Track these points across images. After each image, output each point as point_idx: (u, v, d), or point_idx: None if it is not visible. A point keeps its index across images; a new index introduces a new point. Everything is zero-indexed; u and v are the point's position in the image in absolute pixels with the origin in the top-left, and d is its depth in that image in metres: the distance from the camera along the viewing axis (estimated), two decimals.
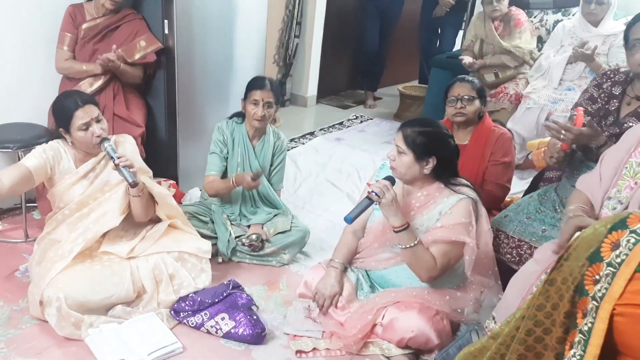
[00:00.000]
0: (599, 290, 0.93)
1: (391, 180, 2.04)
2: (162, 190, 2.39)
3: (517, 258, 2.22)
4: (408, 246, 2.00)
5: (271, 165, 2.85)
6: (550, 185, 2.35)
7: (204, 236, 2.53)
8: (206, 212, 2.78)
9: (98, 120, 2.22)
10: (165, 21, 2.91)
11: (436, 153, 2.05)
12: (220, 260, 2.67)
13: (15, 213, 2.95)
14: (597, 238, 0.96)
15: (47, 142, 2.60)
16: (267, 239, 2.70)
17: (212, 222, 2.74)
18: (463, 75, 2.78)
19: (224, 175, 2.76)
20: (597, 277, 0.94)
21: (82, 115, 2.18)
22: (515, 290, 1.85)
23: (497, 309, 1.95)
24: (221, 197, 2.79)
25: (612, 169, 1.71)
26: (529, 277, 1.80)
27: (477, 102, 2.57)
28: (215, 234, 2.69)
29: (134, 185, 2.15)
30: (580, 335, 0.95)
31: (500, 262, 2.23)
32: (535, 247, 2.14)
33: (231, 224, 2.76)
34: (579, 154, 2.09)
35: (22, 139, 2.65)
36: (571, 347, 0.96)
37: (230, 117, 2.79)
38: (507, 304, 1.87)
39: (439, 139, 2.08)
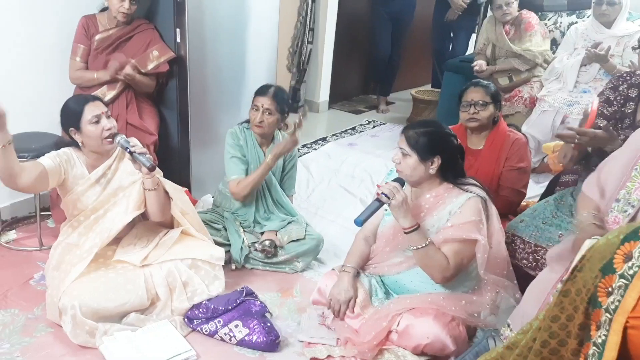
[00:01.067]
0: (612, 303, 0.91)
1: (400, 182, 2.04)
2: (174, 185, 2.40)
3: (534, 263, 2.19)
4: (420, 247, 1.99)
5: (283, 171, 2.85)
6: (566, 190, 2.32)
7: (217, 243, 2.53)
8: (219, 219, 2.79)
9: (108, 117, 2.25)
10: (178, 30, 2.92)
11: (440, 152, 2.05)
12: (233, 267, 2.66)
13: (29, 222, 2.98)
14: (609, 249, 0.95)
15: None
16: (281, 246, 2.69)
17: (225, 230, 2.74)
18: (478, 80, 2.76)
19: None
20: (610, 289, 0.92)
21: (92, 109, 2.21)
22: (532, 298, 1.82)
23: (513, 316, 1.92)
24: (249, 196, 2.76)
25: (619, 170, 1.67)
26: (545, 284, 1.76)
27: (491, 108, 2.55)
28: (228, 241, 2.69)
29: (152, 168, 2.16)
30: (594, 347, 0.93)
31: (516, 268, 2.20)
32: None
33: (244, 231, 2.75)
34: (595, 159, 2.06)
35: (37, 147, 2.66)
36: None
37: (241, 123, 2.80)
38: (524, 311, 1.83)
39: (441, 137, 2.08)
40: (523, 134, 2.70)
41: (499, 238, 2.10)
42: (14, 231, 2.89)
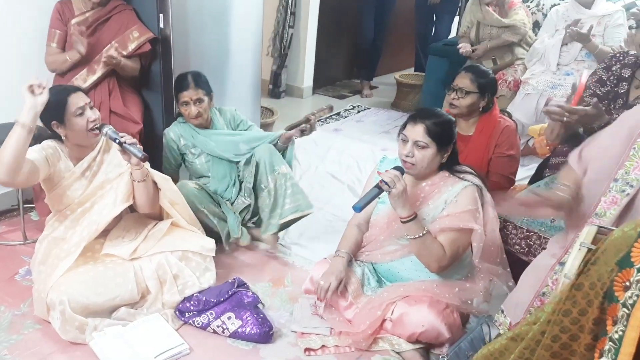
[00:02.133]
0: (630, 297, 0.90)
1: (400, 170, 2.01)
2: (162, 175, 2.35)
3: (527, 249, 2.19)
4: (417, 236, 1.98)
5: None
6: (557, 173, 2.32)
7: (220, 220, 2.61)
8: (210, 196, 2.74)
9: (91, 107, 2.18)
10: (161, 15, 2.84)
11: (452, 141, 2.05)
12: (227, 248, 2.68)
13: (12, 215, 2.90)
14: (626, 242, 0.93)
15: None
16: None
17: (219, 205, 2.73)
18: (475, 65, 2.74)
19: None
20: (628, 283, 0.91)
21: (76, 101, 2.14)
22: (527, 284, 1.82)
23: (507, 302, 1.93)
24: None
25: (616, 150, 1.65)
26: (541, 270, 1.77)
27: (473, 97, 2.51)
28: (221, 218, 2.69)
29: (144, 159, 2.10)
30: (611, 343, 0.92)
31: (508, 253, 2.21)
32: (545, 238, 2.12)
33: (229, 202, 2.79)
34: (583, 136, 2.05)
35: None
36: (601, 355, 0.93)
37: (176, 118, 2.82)
38: (518, 297, 1.84)
39: (454, 127, 2.09)
40: (514, 121, 2.69)
41: (493, 226, 2.11)
42: None
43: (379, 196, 2.04)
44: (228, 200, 2.79)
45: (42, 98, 1.98)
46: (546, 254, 1.84)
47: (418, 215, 2.01)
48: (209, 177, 2.79)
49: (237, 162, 2.77)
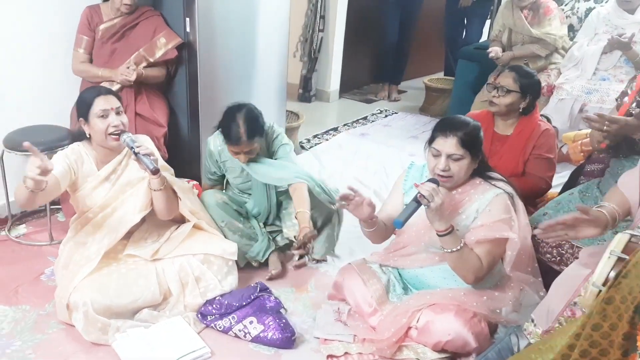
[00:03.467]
0: None
1: (435, 182, 1.95)
2: (183, 184, 2.35)
3: (558, 258, 2.12)
4: (454, 250, 1.92)
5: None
6: (591, 181, 2.24)
7: (245, 236, 2.54)
8: (236, 212, 2.65)
9: (118, 113, 2.18)
10: (187, 19, 2.85)
11: (482, 146, 2.02)
12: (255, 264, 2.60)
13: (39, 215, 2.94)
14: None
15: (69, 144, 2.58)
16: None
17: (247, 220, 2.65)
18: (520, 65, 2.70)
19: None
20: None
21: (102, 103, 2.15)
22: (559, 293, 1.75)
23: (538, 311, 1.86)
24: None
25: None
26: (573, 280, 1.69)
27: (515, 96, 2.49)
28: (252, 235, 2.60)
29: (155, 172, 2.08)
30: None
31: (539, 262, 2.14)
32: (578, 247, 2.04)
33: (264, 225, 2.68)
34: (625, 146, 1.97)
35: (45, 141, 2.61)
36: None
37: (218, 128, 2.53)
38: (549, 307, 1.77)
39: (480, 132, 2.03)
40: (554, 127, 2.62)
41: (525, 233, 2.04)
42: (23, 225, 2.85)
43: (399, 201, 1.99)
44: (262, 222, 2.69)
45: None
46: (578, 264, 1.77)
47: (454, 228, 1.95)
48: (249, 193, 2.68)
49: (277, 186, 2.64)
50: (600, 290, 1.33)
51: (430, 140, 2.00)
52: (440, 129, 1.97)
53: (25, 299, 2.29)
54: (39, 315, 2.21)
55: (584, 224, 1.55)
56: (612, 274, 1.31)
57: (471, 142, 1.95)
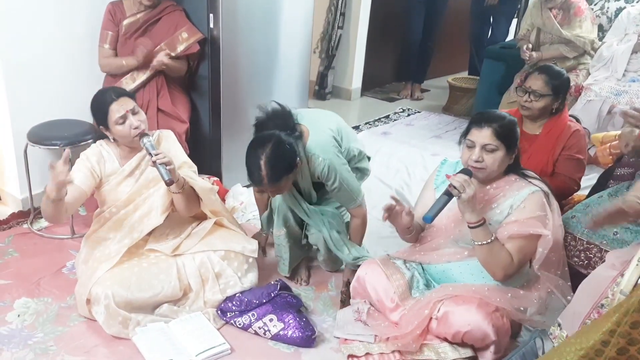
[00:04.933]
0: None
1: (468, 173, 1.93)
2: (205, 185, 2.33)
3: (586, 262, 2.07)
4: (484, 243, 1.90)
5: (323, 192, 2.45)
6: (621, 185, 2.18)
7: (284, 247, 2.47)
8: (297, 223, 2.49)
9: (134, 113, 2.17)
10: (211, 15, 2.85)
11: (518, 142, 1.99)
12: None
13: None
14: None
15: (93, 138, 2.60)
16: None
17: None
18: (548, 65, 2.65)
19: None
20: None
21: (117, 109, 2.14)
22: (586, 296, 1.70)
23: (564, 315, 1.81)
24: None
25: None
26: (601, 282, 1.65)
27: (547, 99, 2.45)
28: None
29: (169, 183, 2.09)
30: None
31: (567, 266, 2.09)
32: (606, 251, 1.99)
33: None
34: None
35: (69, 135, 2.64)
36: None
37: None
38: (576, 310, 1.73)
39: (517, 128, 2.00)
40: (585, 128, 2.56)
41: (558, 235, 1.99)
42: None
43: (429, 196, 1.97)
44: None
45: (62, 176, 1.93)
46: (605, 266, 1.72)
47: (486, 221, 1.92)
48: None
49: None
50: None
51: (465, 133, 2.01)
52: (476, 121, 1.98)
53: (47, 292, 2.31)
54: (60, 307, 2.23)
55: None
56: None
57: (506, 135, 1.93)
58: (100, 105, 2.18)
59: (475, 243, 1.92)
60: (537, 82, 2.45)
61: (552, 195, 2.00)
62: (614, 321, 0.98)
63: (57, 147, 2.60)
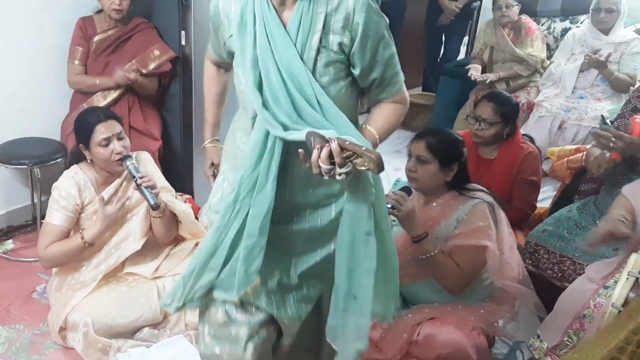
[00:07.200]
0: None
1: (407, 191, 2.00)
2: (185, 208, 2.31)
3: (560, 274, 2.17)
4: (428, 255, 1.95)
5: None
6: (588, 199, 2.31)
7: None
8: None
9: (120, 138, 2.13)
10: (183, 32, 2.83)
11: (458, 160, 2.04)
12: None
13: (26, 230, 2.85)
14: None
15: (62, 157, 2.53)
16: None
17: None
18: (496, 93, 2.72)
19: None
20: None
21: (103, 130, 2.09)
22: (566, 309, 1.81)
23: (544, 326, 1.91)
24: None
25: None
26: (581, 294, 1.76)
27: (497, 127, 2.50)
28: None
29: (155, 207, 2.07)
30: None
31: (540, 278, 2.19)
32: (580, 263, 2.10)
33: None
34: (621, 167, 2.05)
35: (38, 154, 2.56)
36: None
37: None
38: (557, 322, 1.82)
39: (460, 146, 2.08)
40: (537, 147, 2.67)
41: (510, 243, 2.07)
42: (11, 240, 2.76)
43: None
44: None
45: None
46: (584, 279, 1.83)
47: (430, 235, 1.98)
48: None
49: None
50: (619, 311, 1.38)
51: (409, 144, 2.10)
52: (418, 134, 2.08)
53: (19, 318, 2.23)
54: (34, 334, 2.15)
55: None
56: (632, 295, 1.36)
57: (440, 149, 2.00)
58: (86, 123, 2.12)
59: (421, 256, 1.97)
60: (486, 110, 2.49)
61: (498, 206, 2.07)
62: (630, 329, 1.03)
63: (26, 166, 2.51)
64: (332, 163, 1.17)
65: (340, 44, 1.35)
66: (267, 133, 1.33)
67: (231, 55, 1.47)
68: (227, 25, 1.44)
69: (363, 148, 1.15)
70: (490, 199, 2.05)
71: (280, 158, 1.34)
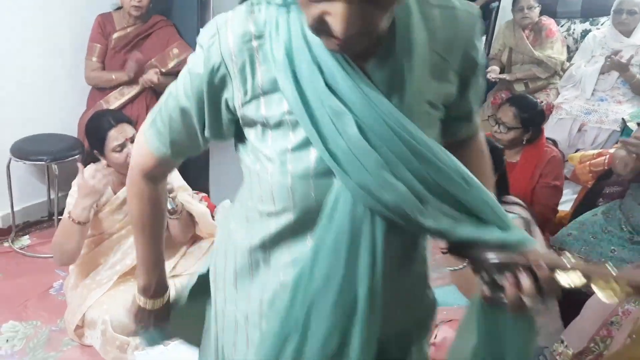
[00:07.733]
0: None
1: None
2: (202, 209, 2.28)
3: None
4: (457, 268, 1.91)
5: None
6: (613, 203, 2.27)
7: None
8: None
9: (133, 141, 2.10)
10: (201, 29, 2.81)
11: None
12: None
13: (42, 226, 2.85)
14: None
15: (79, 154, 2.52)
16: None
17: None
18: (520, 96, 2.67)
19: None
20: None
21: (116, 136, 2.05)
22: (592, 314, 1.77)
23: (568, 332, 1.87)
24: None
25: None
26: None
27: (517, 132, 2.46)
28: None
29: (172, 212, 2.05)
30: None
31: None
32: None
33: None
34: None
35: (54, 150, 2.56)
36: None
37: None
38: (583, 327, 1.79)
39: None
40: (560, 151, 2.62)
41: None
42: (27, 236, 2.76)
43: None
44: None
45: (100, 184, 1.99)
46: None
47: None
48: None
49: None
50: None
51: None
52: None
53: (36, 314, 2.22)
54: (51, 331, 2.14)
55: None
56: None
57: None
58: (97, 130, 2.07)
59: (449, 268, 1.93)
60: (507, 114, 2.45)
61: (534, 223, 2.01)
62: None
63: (43, 162, 2.50)
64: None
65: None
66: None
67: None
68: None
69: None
70: (527, 214, 1.99)
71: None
